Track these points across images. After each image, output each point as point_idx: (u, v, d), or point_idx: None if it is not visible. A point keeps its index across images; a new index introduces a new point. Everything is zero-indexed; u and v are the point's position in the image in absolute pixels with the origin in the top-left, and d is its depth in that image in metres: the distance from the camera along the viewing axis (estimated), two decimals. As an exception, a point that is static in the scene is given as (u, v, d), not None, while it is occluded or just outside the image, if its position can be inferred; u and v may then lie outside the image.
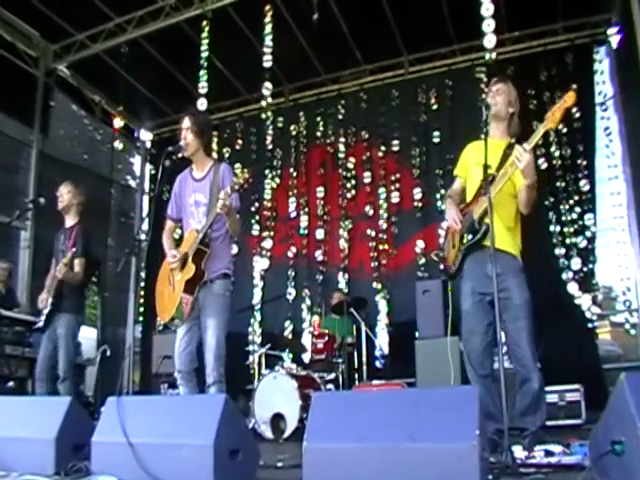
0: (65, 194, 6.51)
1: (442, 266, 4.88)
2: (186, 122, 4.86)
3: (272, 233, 11.52)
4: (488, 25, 8.14)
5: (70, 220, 6.54)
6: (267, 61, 9.40)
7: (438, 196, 10.07)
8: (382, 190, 10.79)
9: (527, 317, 4.26)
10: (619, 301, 9.54)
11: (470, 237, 4.42)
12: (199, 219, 4.78)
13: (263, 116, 10.01)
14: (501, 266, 4.26)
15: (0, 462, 3.93)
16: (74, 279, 6.21)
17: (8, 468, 3.86)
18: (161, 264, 5.01)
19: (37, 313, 6.47)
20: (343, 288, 10.36)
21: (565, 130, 9.42)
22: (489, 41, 8.24)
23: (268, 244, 11.47)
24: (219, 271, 4.72)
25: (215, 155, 11.28)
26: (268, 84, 9.51)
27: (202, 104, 9.65)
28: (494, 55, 8.59)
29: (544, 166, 9.36)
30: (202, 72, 9.75)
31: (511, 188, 4.40)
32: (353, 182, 11.08)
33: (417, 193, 10.45)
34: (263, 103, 9.64)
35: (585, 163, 9.40)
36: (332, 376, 7.99)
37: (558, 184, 9.38)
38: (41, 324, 6.26)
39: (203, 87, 9.77)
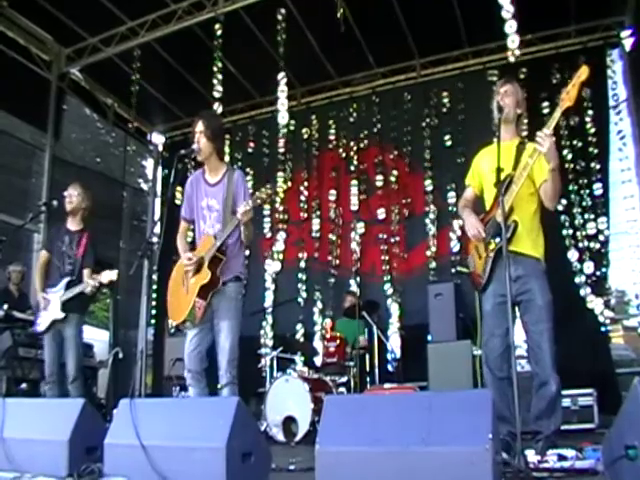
0: (75, 196, 6.53)
1: (472, 281, 4.80)
2: (199, 126, 4.85)
3: (284, 236, 11.51)
4: (510, 26, 8.11)
5: (75, 224, 6.57)
6: (280, 64, 9.40)
7: (450, 200, 10.06)
8: (394, 193, 10.77)
9: (549, 319, 4.27)
10: (632, 305, 9.49)
11: (498, 240, 4.34)
12: (211, 223, 4.83)
13: (281, 121, 9.95)
14: (523, 268, 4.28)
15: (13, 463, 3.96)
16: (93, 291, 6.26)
17: (21, 469, 3.88)
18: (173, 266, 5.04)
19: (33, 311, 6.46)
20: (355, 291, 10.36)
21: (578, 133, 9.38)
22: (512, 41, 8.20)
23: (280, 247, 11.47)
24: (232, 274, 4.75)
25: (227, 158, 11.28)
26: (283, 87, 9.48)
27: (216, 108, 9.67)
28: (516, 53, 8.49)
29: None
30: (214, 75, 9.75)
31: (529, 187, 4.39)
32: (365, 185, 11.07)
33: (429, 196, 10.43)
34: (280, 107, 9.60)
35: (598, 166, 9.35)
36: (344, 379, 7.97)
37: (571, 187, 9.32)
38: (43, 328, 6.29)
39: (216, 90, 9.76)
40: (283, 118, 9.78)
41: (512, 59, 8.38)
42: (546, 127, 4.13)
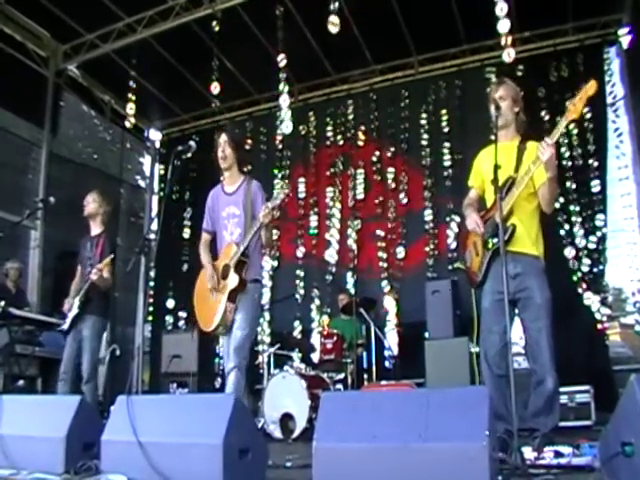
0: (91, 202, 6.65)
1: (467, 277, 4.84)
2: (223, 136, 5.23)
3: (282, 233, 11.52)
4: (503, 25, 8.14)
5: (96, 228, 6.68)
6: (281, 61, 9.42)
7: (447, 196, 10.07)
8: (391, 190, 10.77)
9: (548, 317, 4.28)
10: (629, 302, 9.51)
11: (496, 241, 4.37)
12: (231, 230, 5.11)
13: (282, 115, 9.99)
14: (522, 266, 4.30)
15: (10, 460, 3.96)
16: (104, 284, 6.35)
17: (18, 466, 3.88)
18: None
19: (62, 315, 6.56)
20: (352, 288, 10.35)
21: (576, 131, 9.37)
22: (505, 39, 8.25)
23: (277, 244, 11.46)
24: (251, 276, 5.01)
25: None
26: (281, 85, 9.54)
27: (213, 104, 9.71)
28: (512, 54, 8.46)
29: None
30: (212, 72, 9.75)
31: (529, 187, 4.38)
32: (362, 182, 11.06)
33: (426, 193, 10.43)
34: (282, 103, 9.66)
35: (596, 164, 9.35)
36: (341, 376, 7.99)
37: (569, 185, 9.33)
38: (66, 326, 6.36)
39: (215, 87, 9.75)
40: (285, 115, 9.85)
41: (507, 59, 8.38)
42: (549, 137, 4.11)
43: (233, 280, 4.87)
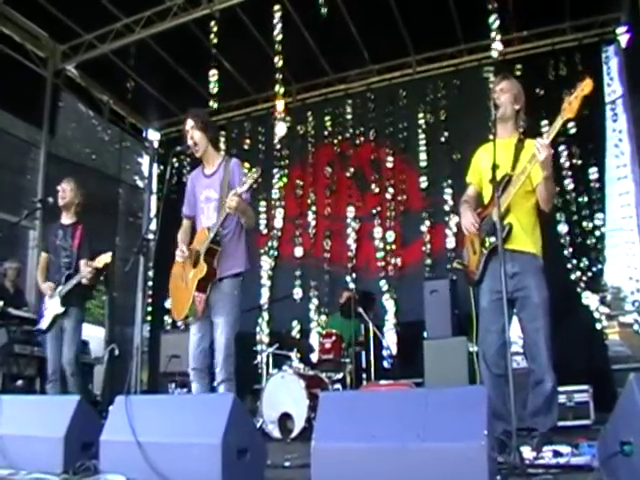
0: (68, 191, 6.57)
1: (465, 275, 4.82)
2: (189, 122, 4.97)
3: (280, 233, 11.52)
4: (494, 20, 8.17)
5: (69, 218, 6.59)
6: (277, 61, 9.43)
7: (445, 196, 10.08)
8: (389, 190, 10.76)
9: (545, 317, 4.27)
10: (628, 301, 9.50)
11: (493, 240, 4.37)
12: (209, 215, 4.84)
13: (277, 116, 10.02)
14: (520, 265, 4.28)
15: (9, 460, 3.96)
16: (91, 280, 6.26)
17: (17, 466, 3.88)
18: (171, 263, 5.07)
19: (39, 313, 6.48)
20: (352, 288, 10.34)
21: (574, 130, 9.35)
22: (495, 36, 8.27)
23: (275, 243, 11.46)
24: (229, 270, 4.75)
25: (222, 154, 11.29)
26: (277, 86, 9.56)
27: (212, 104, 9.72)
28: (499, 48, 8.45)
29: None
30: (210, 72, 9.74)
31: (526, 185, 4.37)
32: (360, 182, 11.06)
33: (424, 193, 10.44)
34: (277, 105, 9.71)
35: (594, 163, 9.35)
36: (340, 376, 7.98)
37: (567, 184, 9.33)
38: (45, 325, 6.29)
39: (213, 87, 9.74)
40: (281, 121, 9.88)
41: (495, 54, 8.39)
42: (545, 136, 4.10)
43: (201, 269, 4.62)
